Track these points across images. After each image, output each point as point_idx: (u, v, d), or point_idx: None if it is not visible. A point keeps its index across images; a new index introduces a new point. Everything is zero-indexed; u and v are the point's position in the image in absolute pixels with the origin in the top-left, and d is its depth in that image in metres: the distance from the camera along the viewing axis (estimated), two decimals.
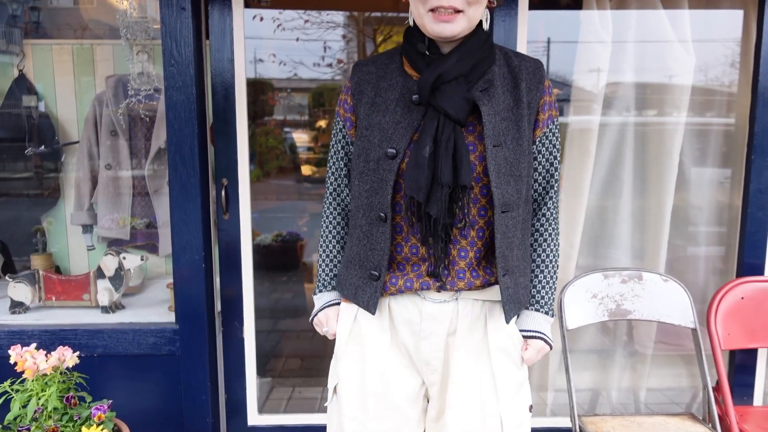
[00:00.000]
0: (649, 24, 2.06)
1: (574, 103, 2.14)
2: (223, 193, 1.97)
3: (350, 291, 1.21)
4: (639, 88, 2.12)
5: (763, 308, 1.86)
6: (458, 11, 1.07)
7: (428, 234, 1.10)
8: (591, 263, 2.19)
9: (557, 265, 1.26)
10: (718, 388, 1.82)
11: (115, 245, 2.42)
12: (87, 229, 2.47)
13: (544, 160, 1.20)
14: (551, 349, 1.24)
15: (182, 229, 1.87)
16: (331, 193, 1.29)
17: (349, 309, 1.25)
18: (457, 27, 1.08)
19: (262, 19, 3.04)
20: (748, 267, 2.00)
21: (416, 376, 1.22)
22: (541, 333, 1.22)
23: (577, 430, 1.68)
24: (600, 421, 1.72)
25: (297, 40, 3.18)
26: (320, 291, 1.32)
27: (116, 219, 2.44)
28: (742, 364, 2.04)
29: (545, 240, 1.24)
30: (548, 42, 2.40)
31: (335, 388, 1.25)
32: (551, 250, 1.24)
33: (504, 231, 1.11)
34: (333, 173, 1.28)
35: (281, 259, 3.25)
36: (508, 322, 1.16)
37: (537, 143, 1.18)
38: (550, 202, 1.23)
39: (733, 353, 2.04)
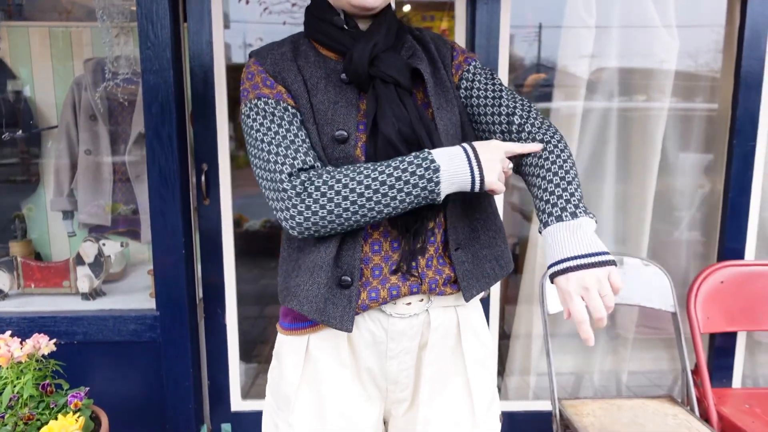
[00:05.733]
0: (634, 8, 2.04)
1: (557, 88, 2.13)
2: (203, 178, 1.94)
3: (314, 306, 0.97)
4: (623, 73, 2.11)
5: (743, 292, 1.88)
6: None
7: (408, 222, 0.98)
8: None
9: (571, 162, 0.97)
10: (696, 371, 1.84)
11: (97, 232, 2.39)
12: (67, 215, 2.44)
13: (489, 92, 1.07)
14: (614, 264, 0.86)
15: (161, 215, 1.85)
16: (309, 164, 0.95)
17: (295, 342, 1.06)
18: None
19: (248, 2, 2.99)
20: (729, 251, 2.01)
21: (376, 403, 1.08)
22: (570, 259, 0.86)
23: (557, 413, 1.70)
24: (580, 405, 1.74)
25: (284, 23, 3.14)
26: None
27: (97, 205, 2.40)
28: (722, 346, 2.06)
29: (544, 149, 0.99)
30: (540, 27, 2.37)
31: None
32: (552, 153, 0.98)
33: (453, 198, 1.00)
34: (297, 148, 0.95)
35: (270, 245, 3.24)
36: (467, 299, 1.02)
37: (466, 83, 1.08)
38: (529, 115, 1.03)
39: (713, 336, 2.06)
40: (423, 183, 0.91)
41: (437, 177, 0.91)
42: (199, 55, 1.89)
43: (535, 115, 1.04)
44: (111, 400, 1.82)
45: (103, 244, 2.05)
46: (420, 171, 0.91)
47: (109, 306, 1.99)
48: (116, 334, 1.89)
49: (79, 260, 2.05)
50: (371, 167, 0.93)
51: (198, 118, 1.93)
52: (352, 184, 0.91)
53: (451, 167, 0.92)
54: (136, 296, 2.10)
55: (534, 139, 1.01)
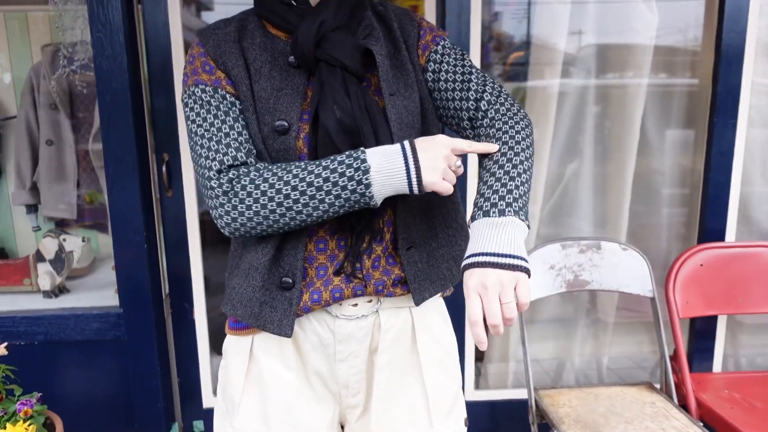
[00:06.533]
0: None
1: (533, 66, 2.05)
2: (164, 168, 1.86)
3: (250, 310, 0.92)
4: (601, 50, 2.04)
5: (722, 275, 1.83)
6: None
7: (353, 220, 0.91)
8: (552, 232, 2.14)
9: (524, 157, 0.88)
10: (675, 357, 1.80)
11: (62, 225, 2.30)
12: (31, 209, 2.35)
13: (458, 74, 0.97)
14: (527, 274, 0.78)
15: (121, 208, 1.77)
16: (241, 161, 0.88)
17: (240, 342, 0.99)
18: None
19: None
20: (709, 232, 1.97)
21: (329, 406, 1.01)
22: (479, 254, 0.78)
23: (533, 403, 1.65)
24: (557, 394, 1.70)
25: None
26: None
27: (61, 197, 2.31)
28: (703, 330, 2.02)
29: (499, 140, 0.91)
30: (528, 4, 2.25)
31: None
32: (506, 145, 0.89)
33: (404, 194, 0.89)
34: (229, 143, 0.88)
35: None
36: (417, 303, 0.95)
37: (433, 65, 0.98)
38: (497, 100, 0.95)
39: (693, 320, 2.02)
40: (352, 185, 0.83)
41: (367, 179, 0.82)
42: (155, 38, 1.79)
43: (503, 101, 0.96)
44: (76, 403, 1.76)
45: (64, 240, 1.97)
46: (349, 172, 0.83)
47: (72, 304, 1.92)
48: (78, 334, 1.82)
49: (40, 257, 1.97)
50: (302, 166, 0.85)
51: (157, 105, 1.84)
52: (279, 185, 0.84)
53: (384, 168, 0.83)
54: (102, 292, 2.03)
55: (493, 127, 0.93)
